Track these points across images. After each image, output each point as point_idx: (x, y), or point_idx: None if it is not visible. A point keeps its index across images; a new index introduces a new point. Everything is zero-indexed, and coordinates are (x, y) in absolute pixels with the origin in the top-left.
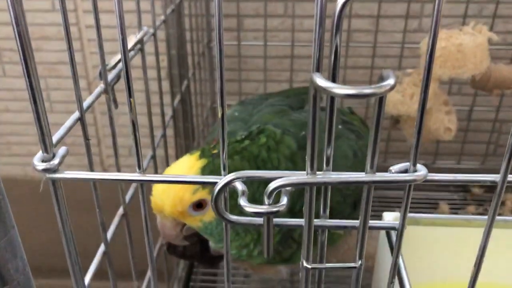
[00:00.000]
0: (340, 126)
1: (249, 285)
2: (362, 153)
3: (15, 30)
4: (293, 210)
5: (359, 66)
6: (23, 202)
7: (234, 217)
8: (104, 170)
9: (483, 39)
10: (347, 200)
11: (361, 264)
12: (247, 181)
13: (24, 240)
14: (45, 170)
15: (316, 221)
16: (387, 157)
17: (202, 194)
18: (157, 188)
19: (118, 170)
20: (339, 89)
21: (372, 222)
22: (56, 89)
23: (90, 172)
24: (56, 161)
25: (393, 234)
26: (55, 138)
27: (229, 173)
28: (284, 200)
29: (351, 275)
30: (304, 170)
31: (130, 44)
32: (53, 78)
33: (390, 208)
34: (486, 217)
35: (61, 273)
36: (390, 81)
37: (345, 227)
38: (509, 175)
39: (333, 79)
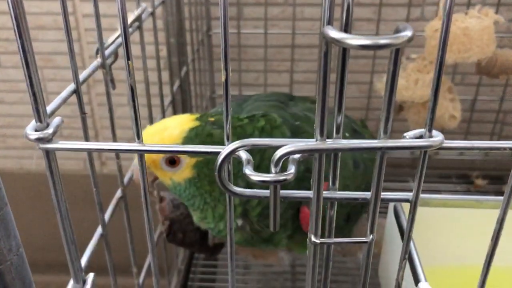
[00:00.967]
0: (347, 134)
1: (249, 277)
2: (365, 166)
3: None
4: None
5: (361, 56)
6: (18, 196)
7: (238, 189)
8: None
9: (490, 22)
10: (341, 211)
11: (372, 239)
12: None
13: (19, 234)
14: (38, 140)
15: (325, 193)
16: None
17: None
18: (147, 131)
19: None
20: (353, 40)
21: (385, 194)
22: (52, 80)
23: (86, 142)
24: (50, 130)
25: (403, 215)
26: (50, 108)
27: (214, 144)
28: (292, 169)
29: (354, 266)
30: None
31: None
32: (49, 68)
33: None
34: (497, 197)
35: (58, 268)
36: (408, 33)
37: (355, 199)
38: None
39: (346, 31)
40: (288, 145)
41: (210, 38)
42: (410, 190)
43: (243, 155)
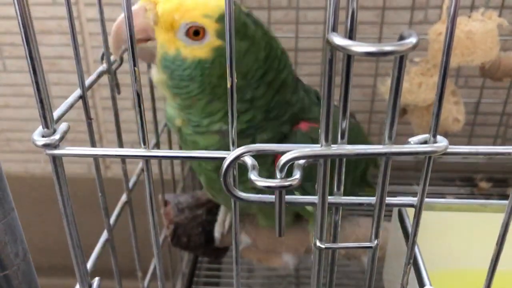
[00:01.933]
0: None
1: (253, 281)
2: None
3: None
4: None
5: (364, 59)
6: (23, 199)
7: (243, 194)
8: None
9: (493, 25)
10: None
11: (377, 244)
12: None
13: (25, 237)
14: (45, 146)
15: (330, 198)
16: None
17: (208, 22)
18: None
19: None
20: (358, 47)
21: (389, 199)
22: (57, 84)
23: (92, 148)
24: (57, 136)
25: (407, 219)
26: (56, 114)
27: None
28: (297, 174)
29: (358, 269)
30: None
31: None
32: (54, 73)
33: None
34: (502, 201)
35: (64, 272)
36: (412, 40)
37: (361, 204)
38: None
39: (350, 38)
40: (293, 151)
41: None
42: (414, 193)
43: (249, 160)
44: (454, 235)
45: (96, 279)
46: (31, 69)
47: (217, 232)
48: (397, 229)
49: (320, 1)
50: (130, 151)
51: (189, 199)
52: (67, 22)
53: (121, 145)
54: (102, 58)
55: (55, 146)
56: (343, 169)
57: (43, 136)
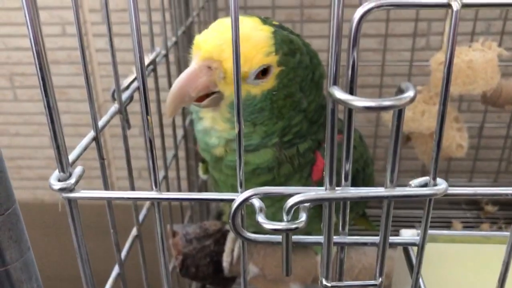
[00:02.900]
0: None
1: None
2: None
3: (33, 49)
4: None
5: (368, 85)
6: (33, 226)
7: (252, 235)
8: None
9: (493, 55)
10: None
11: (381, 282)
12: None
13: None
14: (62, 190)
15: (336, 238)
16: (398, 176)
17: (271, 58)
18: (221, 31)
19: (132, 190)
20: (358, 102)
21: (392, 238)
22: (66, 113)
23: (106, 191)
24: (72, 180)
25: (411, 251)
26: (71, 157)
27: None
28: (303, 217)
29: None
30: None
31: None
32: (63, 101)
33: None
34: (505, 233)
35: None
36: (410, 93)
37: (365, 244)
38: None
39: (351, 92)
40: (299, 194)
41: None
42: (417, 217)
43: (256, 202)
44: (458, 267)
45: None
46: (49, 118)
47: (225, 262)
48: (402, 258)
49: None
50: (142, 193)
51: (197, 229)
52: (76, 52)
53: (133, 187)
54: (113, 96)
55: (70, 190)
56: (347, 211)
57: (59, 180)
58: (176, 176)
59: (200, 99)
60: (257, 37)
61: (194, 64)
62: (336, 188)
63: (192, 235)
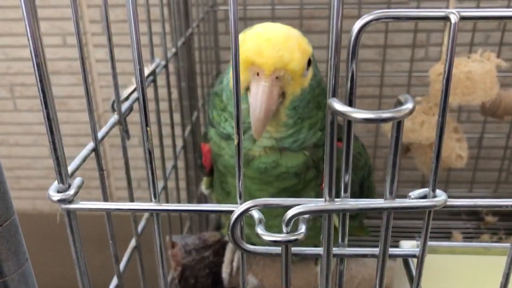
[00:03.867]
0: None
1: None
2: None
3: (34, 61)
4: None
5: (367, 96)
6: (31, 236)
7: (251, 247)
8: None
9: (492, 66)
10: (353, 185)
11: None
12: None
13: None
14: (61, 201)
15: (335, 250)
16: (398, 186)
17: (311, 49)
18: (275, 36)
19: (132, 201)
20: (357, 113)
21: (392, 250)
22: (66, 123)
23: (105, 203)
24: (71, 191)
25: (411, 263)
26: (70, 168)
27: None
28: (302, 228)
29: None
30: None
31: None
32: (63, 112)
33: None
34: (505, 244)
35: None
36: (409, 105)
37: (364, 256)
38: None
39: (350, 104)
40: (299, 206)
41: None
42: (418, 228)
43: (255, 214)
44: (458, 278)
45: None
46: (48, 130)
47: (224, 273)
48: (402, 269)
49: None
50: (141, 205)
51: (196, 240)
52: (77, 63)
53: (132, 199)
54: (112, 107)
55: (70, 201)
56: (347, 222)
57: (58, 192)
58: (176, 186)
59: None
60: (295, 32)
61: (264, 81)
62: (336, 199)
63: (191, 246)
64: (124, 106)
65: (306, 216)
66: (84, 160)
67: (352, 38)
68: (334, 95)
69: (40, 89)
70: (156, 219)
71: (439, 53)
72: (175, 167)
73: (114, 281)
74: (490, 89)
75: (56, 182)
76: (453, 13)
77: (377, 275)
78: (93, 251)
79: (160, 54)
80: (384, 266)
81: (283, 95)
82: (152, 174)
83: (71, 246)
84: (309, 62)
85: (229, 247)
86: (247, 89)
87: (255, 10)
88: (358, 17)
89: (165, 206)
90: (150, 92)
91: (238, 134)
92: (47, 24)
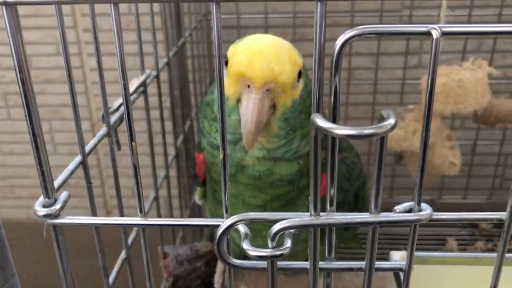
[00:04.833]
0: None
1: None
2: (355, 164)
3: (18, 77)
4: None
5: (361, 103)
6: (26, 245)
7: (237, 261)
8: (108, 211)
9: (483, 74)
10: (348, 195)
11: None
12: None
13: (26, 283)
14: (46, 216)
15: (322, 264)
16: (392, 193)
17: (302, 61)
18: (265, 48)
19: (121, 214)
20: (340, 130)
21: (379, 263)
22: (60, 131)
23: (92, 217)
24: (57, 206)
25: (401, 274)
26: (57, 183)
27: None
28: (288, 243)
29: None
30: None
31: (133, 87)
32: (57, 120)
33: (397, 246)
34: (495, 254)
35: None
36: (391, 121)
37: (351, 269)
38: None
39: (334, 120)
40: (284, 221)
41: None
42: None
43: (242, 228)
44: None
45: None
46: (33, 144)
47: (216, 283)
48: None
49: None
50: (128, 220)
51: (188, 251)
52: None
53: (121, 212)
54: (103, 119)
55: (56, 216)
56: (333, 236)
57: (44, 206)
58: (167, 196)
59: None
60: (286, 44)
61: (254, 93)
62: (321, 213)
63: (183, 256)
64: (115, 116)
65: (292, 230)
66: (71, 173)
67: (335, 53)
68: (318, 110)
69: (24, 104)
70: (143, 234)
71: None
72: (166, 176)
73: None
74: (482, 97)
75: (42, 197)
76: (435, 28)
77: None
78: (86, 261)
79: (152, 63)
80: (370, 280)
81: (274, 107)
82: (138, 188)
83: (58, 261)
84: (300, 74)
85: None
86: (238, 100)
87: (248, 19)
88: (351, 25)
89: (151, 221)
90: (141, 101)
91: (224, 148)
92: (41, 33)
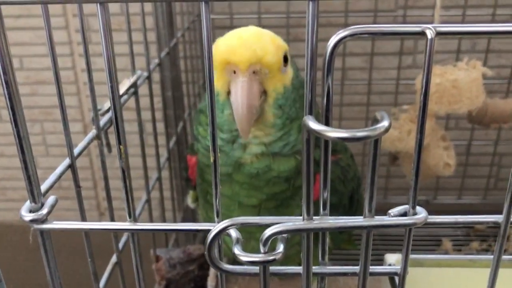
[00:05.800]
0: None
1: None
2: (349, 166)
3: (2, 78)
4: None
5: (355, 103)
6: (17, 248)
7: (229, 267)
8: (101, 213)
9: (478, 74)
10: (343, 197)
11: None
12: None
13: (18, 286)
14: (33, 221)
15: (315, 268)
16: (387, 194)
17: (286, 46)
18: (248, 35)
19: (112, 218)
20: (333, 132)
21: (373, 268)
22: (52, 133)
23: (80, 222)
24: (44, 211)
25: (396, 277)
26: (44, 186)
27: None
28: (280, 248)
29: None
30: None
31: (123, 89)
32: (49, 122)
33: (392, 247)
34: (491, 256)
35: None
36: (385, 123)
37: (345, 274)
38: None
39: (327, 122)
40: (277, 225)
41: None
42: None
43: (233, 233)
44: None
45: None
46: (19, 148)
47: (210, 286)
48: (387, 280)
49: None
50: (117, 224)
51: (181, 254)
52: (63, 72)
53: (112, 216)
54: (93, 121)
55: (42, 221)
56: (327, 240)
57: (30, 211)
58: (160, 198)
59: None
60: (267, 31)
61: (241, 77)
62: (314, 217)
63: (175, 259)
64: (105, 119)
65: (284, 235)
66: (59, 177)
67: (327, 54)
68: (311, 112)
69: (9, 106)
70: (132, 238)
71: None
72: (159, 178)
73: None
74: (476, 98)
75: (28, 202)
76: (429, 28)
77: None
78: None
79: (144, 63)
80: (365, 285)
81: (265, 93)
82: (127, 193)
83: (45, 266)
84: (286, 59)
85: None
86: (229, 93)
87: (242, 19)
88: (345, 25)
89: (140, 226)
90: (132, 102)
91: (214, 151)
92: (32, 34)
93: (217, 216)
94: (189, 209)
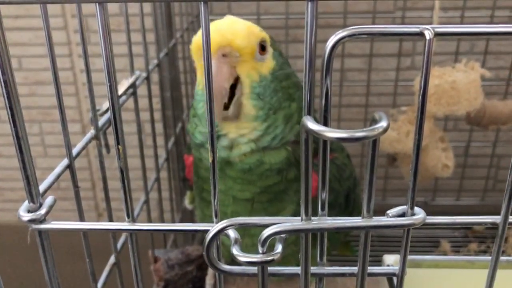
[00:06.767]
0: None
1: None
2: (345, 165)
3: (1, 78)
4: None
5: (354, 105)
6: (15, 249)
7: (227, 267)
8: (99, 214)
9: (476, 75)
10: (339, 196)
11: None
12: None
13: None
14: (31, 221)
15: (313, 269)
16: (386, 195)
17: (265, 35)
18: (221, 23)
19: (110, 218)
20: (331, 133)
21: (371, 268)
22: (50, 134)
23: (78, 222)
24: (42, 211)
25: (395, 278)
26: (43, 187)
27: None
28: (278, 248)
29: None
30: None
31: (122, 89)
32: (48, 122)
33: (390, 247)
34: (489, 257)
35: None
36: (383, 124)
37: (343, 275)
38: (510, 216)
39: (325, 122)
40: (275, 226)
41: None
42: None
43: (231, 233)
44: None
45: None
46: (17, 148)
47: (208, 285)
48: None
49: None
50: (115, 225)
51: (179, 255)
52: (61, 73)
53: (110, 216)
54: (91, 121)
55: (40, 221)
56: (325, 240)
57: (28, 211)
58: (158, 199)
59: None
60: (246, 21)
61: (212, 60)
62: (313, 218)
63: (174, 260)
64: (104, 119)
65: (283, 235)
66: (58, 177)
67: (326, 54)
68: (309, 113)
69: (8, 106)
70: (130, 239)
71: None
72: (157, 179)
73: None
74: (475, 99)
75: (26, 202)
76: (427, 29)
77: None
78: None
79: (143, 64)
80: (363, 286)
81: (237, 79)
82: (125, 193)
83: (43, 267)
84: (263, 48)
85: None
86: None
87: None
88: (343, 26)
89: (139, 226)
90: (131, 103)
91: (213, 152)
92: (31, 34)
93: (216, 216)
94: (188, 210)
